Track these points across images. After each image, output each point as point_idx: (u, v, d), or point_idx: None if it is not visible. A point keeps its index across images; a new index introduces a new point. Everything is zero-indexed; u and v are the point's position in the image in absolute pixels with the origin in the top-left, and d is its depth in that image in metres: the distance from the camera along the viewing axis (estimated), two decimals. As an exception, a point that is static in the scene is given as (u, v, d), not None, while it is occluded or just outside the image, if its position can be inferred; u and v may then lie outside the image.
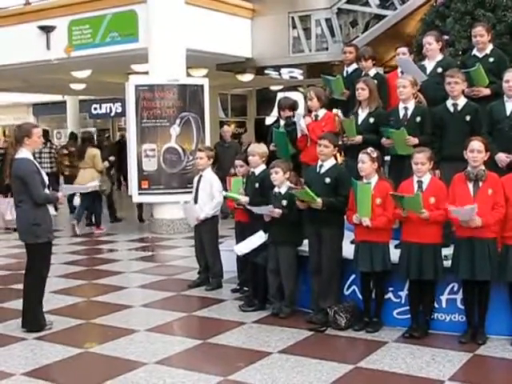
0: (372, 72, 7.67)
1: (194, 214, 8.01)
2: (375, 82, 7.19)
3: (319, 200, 6.22)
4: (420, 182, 5.93)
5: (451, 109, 6.57)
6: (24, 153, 6.30)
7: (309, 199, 6.28)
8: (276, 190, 6.76)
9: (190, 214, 8.21)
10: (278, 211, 6.59)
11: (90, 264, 9.70)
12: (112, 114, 28.49)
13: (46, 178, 6.44)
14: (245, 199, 7.17)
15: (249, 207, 7.03)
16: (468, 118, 6.48)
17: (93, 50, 13.90)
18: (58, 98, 26.33)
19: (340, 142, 7.27)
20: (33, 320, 6.44)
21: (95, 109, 28.63)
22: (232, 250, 7.76)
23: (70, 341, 6.16)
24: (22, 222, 6.37)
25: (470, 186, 5.72)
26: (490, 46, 7.10)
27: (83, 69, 16.63)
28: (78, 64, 15.25)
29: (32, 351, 5.91)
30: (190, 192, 8.40)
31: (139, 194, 12.43)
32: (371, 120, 6.90)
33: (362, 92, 6.93)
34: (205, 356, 5.79)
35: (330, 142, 6.42)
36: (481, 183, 5.67)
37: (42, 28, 14.17)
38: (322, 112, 7.37)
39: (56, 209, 6.38)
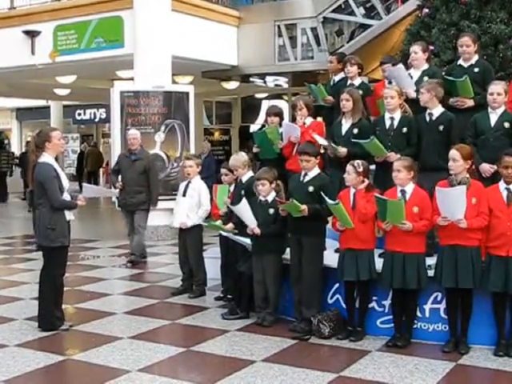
0: (357, 81, 7.71)
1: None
2: (360, 92, 7.23)
3: (304, 206, 6.22)
4: (403, 192, 5.95)
5: (427, 118, 6.61)
6: (45, 157, 6.45)
7: (295, 210, 6.28)
8: (262, 198, 6.76)
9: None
10: (257, 231, 6.64)
11: (72, 270, 9.62)
12: (96, 119, 28.38)
13: (65, 183, 6.53)
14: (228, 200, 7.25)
15: (229, 235, 7.21)
16: (441, 127, 6.49)
17: (78, 55, 13.89)
18: (41, 103, 26.21)
19: (322, 151, 7.31)
20: (44, 319, 6.54)
21: (79, 114, 28.51)
22: (216, 257, 7.76)
23: (52, 348, 6.11)
24: (39, 225, 6.52)
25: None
26: (476, 57, 7.13)
27: (68, 74, 16.59)
28: (63, 69, 15.22)
29: (13, 358, 5.83)
30: (175, 199, 8.37)
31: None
32: (355, 131, 6.92)
33: (347, 103, 6.96)
34: (188, 364, 5.76)
35: (309, 155, 6.43)
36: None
37: (27, 33, 14.14)
38: (309, 120, 7.44)
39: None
